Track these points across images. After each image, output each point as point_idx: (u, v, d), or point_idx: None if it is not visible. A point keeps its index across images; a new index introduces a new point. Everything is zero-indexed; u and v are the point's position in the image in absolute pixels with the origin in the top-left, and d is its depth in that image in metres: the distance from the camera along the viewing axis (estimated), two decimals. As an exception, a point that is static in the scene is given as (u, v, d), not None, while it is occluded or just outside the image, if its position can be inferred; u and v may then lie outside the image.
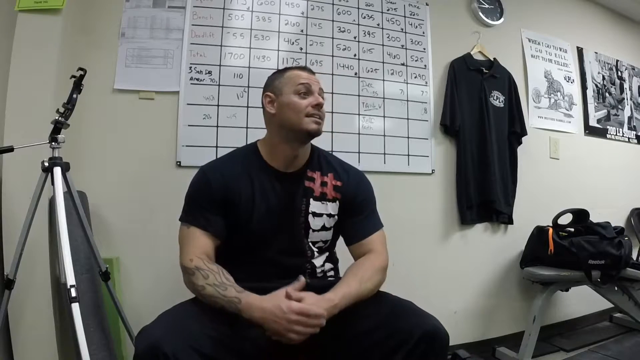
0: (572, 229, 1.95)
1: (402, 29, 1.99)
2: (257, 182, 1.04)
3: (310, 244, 1.08)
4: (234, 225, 1.02)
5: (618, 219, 2.43)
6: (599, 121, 2.56)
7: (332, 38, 1.86)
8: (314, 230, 1.07)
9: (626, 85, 2.75)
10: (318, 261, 1.09)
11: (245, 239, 1.03)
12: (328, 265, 1.11)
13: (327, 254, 1.13)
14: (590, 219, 1.94)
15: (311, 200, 1.07)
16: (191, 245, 0.98)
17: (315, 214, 1.07)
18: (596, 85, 2.58)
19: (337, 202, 1.09)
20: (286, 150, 1.06)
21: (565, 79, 2.43)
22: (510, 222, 2.08)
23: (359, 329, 0.90)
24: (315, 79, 1.08)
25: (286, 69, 1.11)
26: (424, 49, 2.02)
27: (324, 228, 1.08)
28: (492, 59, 2.14)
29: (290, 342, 0.82)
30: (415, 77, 1.99)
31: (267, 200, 1.04)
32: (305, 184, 1.07)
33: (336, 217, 1.10)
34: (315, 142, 1.13)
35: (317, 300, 0.86)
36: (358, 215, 1.10)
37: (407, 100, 1.96)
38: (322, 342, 0.88)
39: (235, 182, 1.03)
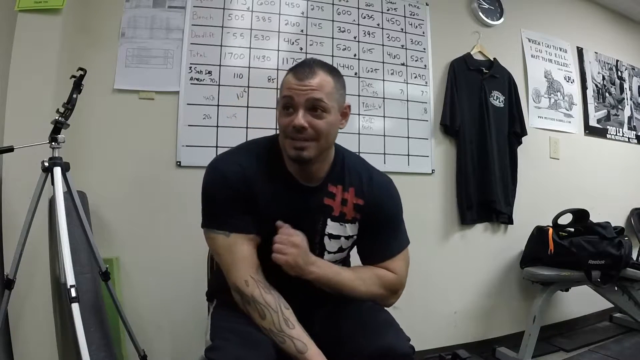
0: (572, 229, 1.95)
1: (402, 29, 1.99)
2: (276, 187, 0.90)
3: None
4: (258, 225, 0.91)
5: (618, 219, 2.43)
6: (599, 121, 2.56)
7: (332, 38, 1.86)
8: (329, 252, 0.96)
9: (626, 85, 2.75)
10: None
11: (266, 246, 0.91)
12: None
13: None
14: (590, 219, 1.94)
15: (329, 220, 0.93)
16: (239, 260, 0.85)
17: (332, 236, 0.95)
18: (596, 85, 2.58)
19: (357, 222, 0.96)
20: (293, 165, 0.91)
21: (565, 79, 2.43)
22: (510, 222, 2.08)
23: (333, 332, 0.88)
24: (306, 85, 0.84)
25: (288, 70, 0.91)
26: (424, 49, 2.02)
27: (340, 250, 0.97)
28: (492, 59, 2.14)
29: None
30: (415, 77, 1.99)
31: (283, 212, 0.90)
32: (325, 201, 0.93)
33: (355, 237, 0.98)
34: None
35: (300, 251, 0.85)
36: (379, 234, 0.97)
37: (407, 100, 1.96)
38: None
39: (254, 177, 0.88)
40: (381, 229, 0.97)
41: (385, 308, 0.96)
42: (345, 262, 1.05)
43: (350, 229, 0.96)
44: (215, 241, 0.87)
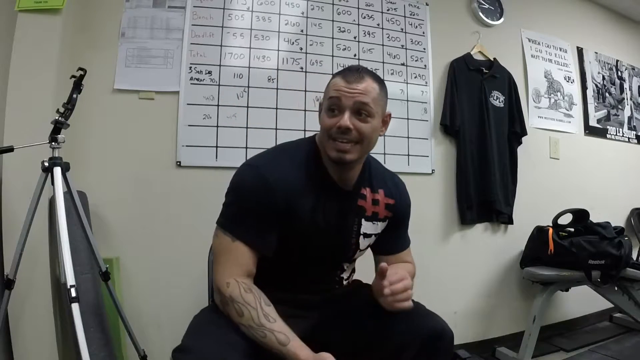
0: (572, 229, 1.95)
1: (402, 29, 1.99)
2: (319, 195, 0.91)
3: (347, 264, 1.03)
4: (284, 240, 0.90)
5: (618, 219, 2.43)
6: (599, 121, 2.56)
7: (332, 38, 1.86)
8: (360, 250, 1.00)
9: (626, 85, 2.76)
10: (346, 273, 1.05)
11: (283, 255, 0.92)
12: (352, 275, 1.09)
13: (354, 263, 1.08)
14: (590, 219, 1.94)
15: (363, 220, 0.97)
16: (231, 263, 0.85)
17: (366, 235, 0.98)
18: (596, 85, 2.58)
19: (387, 220, 1.02)
20: (332, 168, 0.93)
21: (565, 79, 2.43)
22: (510, 222, 2.08)
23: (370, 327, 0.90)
24: (354, 88, 0.86)
25: (335, 74, 0.93)
26: (424, 49, 2.02)
27: (366, 247, 1.02)
28: (492, 59, 2.14)
29: None
30: (415, 77, 1.99)
31: (323, 220, 0.92)
32: (358, 202, 0.97)
33: (379, 234, 1.02)
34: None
35: None
36: (399, 229, 1.06)
37: (407, 100, 1.96)
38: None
39: (299, 193, 0.89)
40: (402, 226, 1.07)
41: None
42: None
43: (381, 227, 1.01)
44: (220, 240, 0.88)
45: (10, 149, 1.10)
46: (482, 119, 2.04)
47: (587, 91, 2.53)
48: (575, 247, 1.80)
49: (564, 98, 2.41)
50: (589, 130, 2.50)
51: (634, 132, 2.74)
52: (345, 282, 1.05)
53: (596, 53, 2.61)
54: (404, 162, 1.91)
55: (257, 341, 0.78)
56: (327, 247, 0.94)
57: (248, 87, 1.70)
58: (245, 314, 0.79)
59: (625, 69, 2.77)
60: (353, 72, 0.88)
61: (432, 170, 1.98)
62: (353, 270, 1.09)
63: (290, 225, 0.88)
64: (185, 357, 0.74)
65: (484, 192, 2.00)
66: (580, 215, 1.95)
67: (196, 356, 0.73)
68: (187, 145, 1.61)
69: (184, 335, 0.82)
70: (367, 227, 0.98)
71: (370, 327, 0.90)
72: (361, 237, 0.98)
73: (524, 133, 2.14)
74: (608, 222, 1.92)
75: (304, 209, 0.89)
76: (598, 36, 2.64)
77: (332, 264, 1.00)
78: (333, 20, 1.87)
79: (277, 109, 1.72)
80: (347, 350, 0.87)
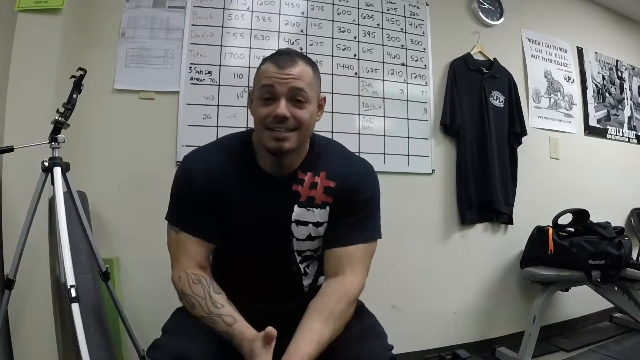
0: (572, 229, 1.95)
1: (402, 29, 1.99)
2: (246, 183, 0.89)
3: (295, 254, 0.93)
4: (223, 229, 0.90)
5: (618, 219, 2.43)
6: (599, 121, 2.56)
7: (332, 38, 1.86)
8: (297, 240, 0.92)
9: (626, 85, 2.75)
10: (307, 279, 0.97)
11: (229, 247, 0.93)
12: (321, 279, 0.97)
13: (318, 264, 0.98)
14: (590, 219, 1.94)
15: (295, 207, 0.89)
16: (181, 256, 0.87)
17: (299, 222, 0.90)
18: (596, 85, 2.58)
19: (327, 207, 0.91)
20: (268, 157, 0.88)
21: (565, 79, 2.43)
22: (510, 222, 2.08)
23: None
24: (287, 73, 0.81)
25: (264, 59, 0.87)
26: (424, 49, 2.02)
27: (309, 238, 0.92)
28: (492, 59, 2.14)
29: None
30: (415, 77, 1.99)
31: (253, 207, 0.89)
32: (292, 187, 0.90)
33: (326, 224, 0.92)
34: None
35: None
36: (349, 218, 0.90)
37: (407, 100, 1.96)
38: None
39: (221, 179, 0.88)
40: (350, 214, 0.90)
41: (370, 311, 0.94)
42: (319, 258, 0.97)
43: (320, 215, 0.91)
44: (169, 235, 0.91)
45: (10, 149, 1.10)
46: (482, 119, 2.04)
47: (587, 91, 2.53)
48: (575, 247, 1.80)
49: (564, 98, 2.41)
50: (589, 130, 2.50)
51: (634, 132, 2.74)
52: (306, 289, 0.97)
53: (596, 53, 2.61)
54: (404, 162, 1.91)
55: (212, 329, 0.80)
56: (265, 237, 0.90)
57: (248, 87, 1.70)
58: (196, 306, 0.81)
59: (625, 69, 2.77)
60: (284, 57, 0.83)
61: (432, 170, 1.97)
62: (318, 277, 1.00)
63: (222, 213, 0.88)
64: (153, 353, 0.76)
65: (484, 192, 2.00)
66: (580, 215, 1.95)
67: (162, 351, 0.75)
68: (187, 145, 1.60)
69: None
70: (299, 213, 0.89)
71: None
72: (293, 224, 0.90)
73: (524, 133, 2.14)
74: (608, 222, 1.92)
75: (230, 195, 0.88)
76: (598, 36, 2.64)
77: (278, 258, 0.93)
78: (333, 20, 1.87)
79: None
80: None
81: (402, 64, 1.97)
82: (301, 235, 0.91)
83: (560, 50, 2.45)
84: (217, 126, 1.64)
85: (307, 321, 0.80)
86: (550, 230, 1.92)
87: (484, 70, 2.09)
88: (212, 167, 0.88)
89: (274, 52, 0.88)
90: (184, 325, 0.82)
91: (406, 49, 1.99)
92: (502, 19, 2.23)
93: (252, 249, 0.92)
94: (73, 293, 1.00)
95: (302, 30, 1.82)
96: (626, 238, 1.82)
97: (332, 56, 1.84)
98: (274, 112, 0.81)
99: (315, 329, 0.78)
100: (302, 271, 0.96)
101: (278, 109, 0.80)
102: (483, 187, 2.00)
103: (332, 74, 1.83)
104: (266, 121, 0.82)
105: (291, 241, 0.92)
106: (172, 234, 0.90)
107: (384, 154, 1.87)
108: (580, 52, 2.53)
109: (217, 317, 0.80)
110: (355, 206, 0.91)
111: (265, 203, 0.89)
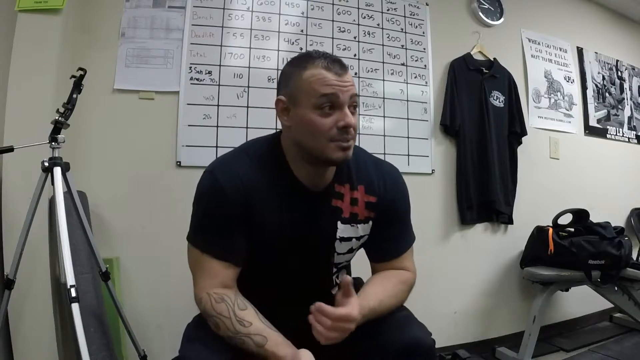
0: (572, 229, 1.95)
1: (402, 29, 1.99)
2: (282, 196, 0.83)
3: (333, 267, 0.93)
4: (254, 246, 0.85)
5: (618, 219, 2.43)
6: (599, 121, 2.56)
7: (332, 38, 1.86)
8: (338, 254, 0.91)
9: (626, 85, 2.75)
10: (335, 289, 0.96)
11: (263, 268, 0.88)
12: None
13: (345, 272, 0.99)
14: (590, 219, 1.94)
15: (339, 223, 0.87)
16: (204, 277, 0.81)
17: (343, 239, 0.89)
18: (596, 85, 2.58)
19: (370, 222, 0.90)
20: (308, 169, 0.84)
21: (565, 79, 2.43)
22: (510, 222, 2.08)
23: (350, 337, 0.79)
24: (346, 81, 0.78)
25: (307, 60, 0.80)
26: (424, 49, 2.02)
27: (349, 251, 0.92)
28: (492, 59, 2.14)
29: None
30: (415, 77, 1.99)
31: (290, 223, 0.84)
32: (333, 202, 0.87)
33: (366, 236, 0.92)
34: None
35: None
36: (391, 230, 0.92)
37: (407, 100, 1.96)
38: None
39: (257, 194, 0.81)
40: (393, 226, 0.92)
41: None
42: (348, 266, 1.02)
43: (362, 229, 0.90)
44: (190, 254, 0.85)
45: (10, 149, 1.10)
46: (482, 119, 2.04)
47: (587, 91, 2.53)
48: (575, 247, 1.80)
49: (564, 98, 2.41)
50: (589, 130, 2.50)
51: (634, 132, 2.74)
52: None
53: (596, 53, 2.61)
54: (404, 162, 1.91)
55: (242, 350, 0.75)
56: (305, 254, 0.87)
57: (248, 87, 1.70)
58: (221, 326, 0.76)
59: (625, 69, 2.77)
60: (336, 63, 0.79)
61: (432, 170, 1.98)
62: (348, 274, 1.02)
63: (254, 228, 0.82)
64: None
65: (484, 192, 2.00)
66: (580, 215, 1.95)
67: None
68: (187, 145, 1.61)
69: (180, 346, 0.81)
70: (344, 230, 0.88)
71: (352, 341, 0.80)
72: (337, 241, 0.88)
73: (524, 133, 2.14)
74: (608, 222, 1.92)
75: (264, 209, 0.82)
76: (598, 36, 2.64)
77: (314, 273, 0.91)
78: (333, 20, 1.87)
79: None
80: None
81: (402, 64, 1.97)
82: (343, 249, 0.91)
83: (560, 50, 2.45)
84: (217, 126, 1.64)
85: (374, 282, 0.88)
86: (550, 230, 1.92)
87: (484, 70, 2.09)
88: (244, 180, 0.81)
89: (304, 54, 0.85)
90: (208, 337, 0.78)
91: (406, 49, 1.99)
92: (502, 19, 2.23)
93: (287, 264, 0.88)
94: (73, 293, 1.00)
95: (302, 30, 1.82)
96: (626, 238, 1.82)
97: (332, 56, 1.84)
98: (342, 122, 0.77)
99: (379, 291, 0.84)
100: (333, 282, 0.96)
101: (347, 118, 0.77)
102: (483, 187, 2.01)
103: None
104: (331, 132, 0.77)
105: (332, 256, 0.91)
106: (195, 254, 0.83)
107: (384, 154, 1.87)
108: (580, 52, 2.53)
109: (246, 337, 0.74)
110: (396, 215, 0.94)
111: (306, 218, 0.85)
